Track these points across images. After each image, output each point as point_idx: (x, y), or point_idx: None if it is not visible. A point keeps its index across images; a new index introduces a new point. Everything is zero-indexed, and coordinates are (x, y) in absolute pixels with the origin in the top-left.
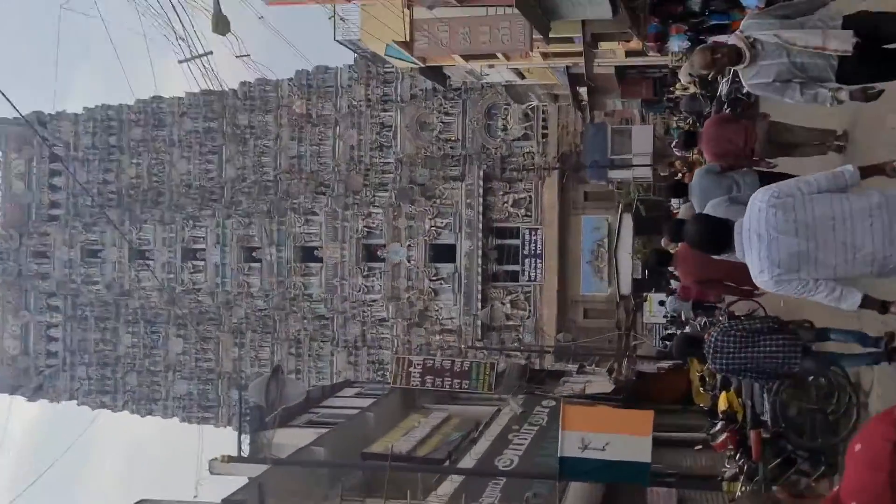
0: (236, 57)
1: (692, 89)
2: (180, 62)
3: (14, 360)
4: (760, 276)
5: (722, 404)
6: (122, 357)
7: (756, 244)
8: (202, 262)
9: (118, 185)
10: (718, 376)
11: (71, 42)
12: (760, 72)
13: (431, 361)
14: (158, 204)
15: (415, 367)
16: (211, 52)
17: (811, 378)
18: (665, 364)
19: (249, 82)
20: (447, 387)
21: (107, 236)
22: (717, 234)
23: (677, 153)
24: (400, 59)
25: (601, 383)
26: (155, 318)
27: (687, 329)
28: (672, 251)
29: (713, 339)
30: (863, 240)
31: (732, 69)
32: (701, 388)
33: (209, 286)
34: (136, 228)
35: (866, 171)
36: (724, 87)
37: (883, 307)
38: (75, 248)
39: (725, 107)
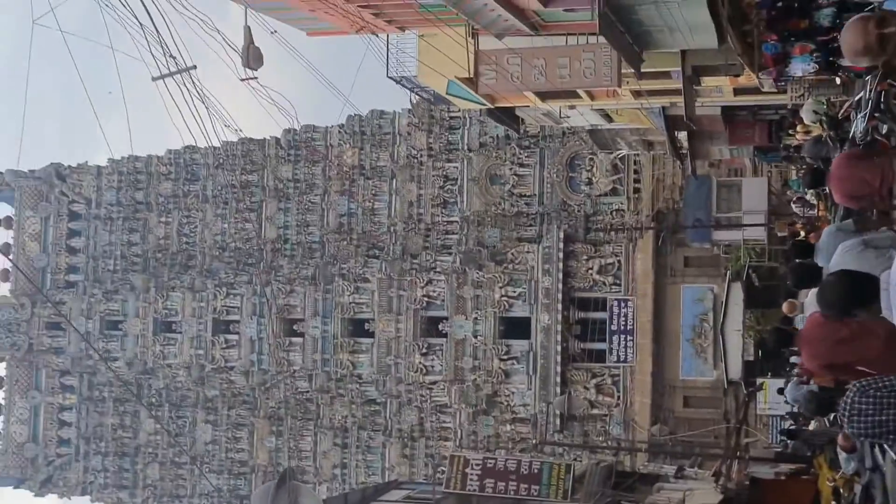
0: (241, 80)
1: (816, 131)
2: (154, 79)
3: (21, 448)
4: None
5: None
6: (143, 446)
7: None
8: (236, 336)
9: (144, 247)
10: (857, 490)
11: (103, 87)
12: None
13: (493, 461)
14: (188, 268)
15: (472, 468)
16: (194, 67)
17: None
18: (786, 468)
19: (294, 130)
20: (511, 493)
21: (129, 306)
22: (859, 289)
23: (797, 210)
24: (464, 98)
25: (706, 492)
26: (181, 400)
27: (812, 426)
28: (795, 317)
29: (849, 400)
30: None
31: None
32: (834, 503)
33: (243, 364)
34: (163, 297)
35: None
36: (858, 126)
37: None
38: (94, 318)
39: None
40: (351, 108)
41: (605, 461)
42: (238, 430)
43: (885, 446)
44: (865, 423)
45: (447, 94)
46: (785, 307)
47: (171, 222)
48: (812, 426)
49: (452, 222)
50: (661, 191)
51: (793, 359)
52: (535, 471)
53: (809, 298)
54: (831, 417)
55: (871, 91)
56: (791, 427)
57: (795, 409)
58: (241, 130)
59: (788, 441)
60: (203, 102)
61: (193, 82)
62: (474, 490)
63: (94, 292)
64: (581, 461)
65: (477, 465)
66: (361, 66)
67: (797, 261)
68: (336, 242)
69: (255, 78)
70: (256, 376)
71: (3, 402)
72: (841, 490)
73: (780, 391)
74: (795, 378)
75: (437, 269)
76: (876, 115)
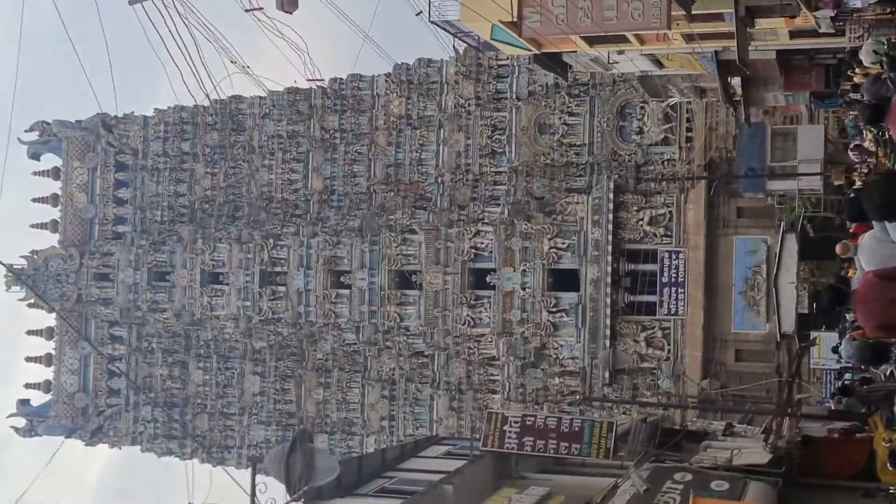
0: (245, 11)
1: (876, 72)
2: (131, 3)
3: (71, 398)
4: None
5: None
6: (192, 397)
7: None
8: (283, 288)
9: (191, 198)
10: None
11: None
12: None
13: (532, 419)
14: (235, 220)
15: (511, 426)
16: None
17: None
18: (839, 426)
19: (341, 79)
20: (551, 451)
21: (176, 257)
22: None
23: (854, 158)
24: (509, 43)
25: (754, 451)
26: (229, 352)
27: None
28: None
29: None
30: None
31: None
32: (889, 465)
33: (291, 316)
34: (210, 248)
35: None
36: None
37: None
38: (141, 270)
39: None
40: (380, 54)
41: (654, 415)
42: (286, 382)
43: None
44: None
45: (492, 39)
46: (838, 248)
47: (217, 173)
48: (870, 375)
49: (500, 173)
50: (713, 139)
51: (847, 317)
52: (576, 429)
53: (864, 241)
54: (887, 372)
55: None
56: (847, 381)
57: (851, 366)
58: (248, 67)
59: (842, 398)
60: (185, 22)
61: (177, 8)
62: (513, 448)
63: (142, 243)
64: (631, 415)
65: (516, 422)
66: (405, 15)
67: (852, 196)
68: (383, 193)
69: (262, 8)
70: (304, 328)
71: (53, 353)
72: None
73: (835, 349)
74: (849, 334)
75: (485, 221)
76: None
